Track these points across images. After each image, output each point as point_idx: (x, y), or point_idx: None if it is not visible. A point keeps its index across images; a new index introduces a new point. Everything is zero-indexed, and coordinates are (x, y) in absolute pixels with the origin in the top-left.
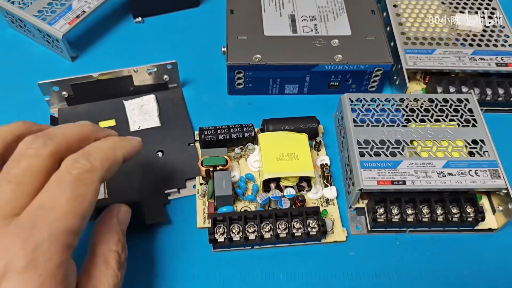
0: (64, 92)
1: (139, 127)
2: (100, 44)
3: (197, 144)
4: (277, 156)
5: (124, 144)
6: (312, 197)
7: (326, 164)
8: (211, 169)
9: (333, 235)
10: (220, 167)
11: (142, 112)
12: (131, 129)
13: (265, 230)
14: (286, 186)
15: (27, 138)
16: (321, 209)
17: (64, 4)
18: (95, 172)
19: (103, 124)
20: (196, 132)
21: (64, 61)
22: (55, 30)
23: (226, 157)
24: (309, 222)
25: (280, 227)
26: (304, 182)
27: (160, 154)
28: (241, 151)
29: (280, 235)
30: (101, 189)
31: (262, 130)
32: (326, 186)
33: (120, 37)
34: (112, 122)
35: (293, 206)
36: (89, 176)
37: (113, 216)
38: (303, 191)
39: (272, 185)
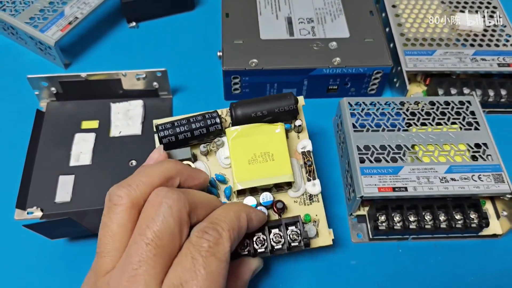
0: (53, 88)
1: (120, 132)
2: (94, 50)
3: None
4: (249, 158)
5: (249, 211)
6: (293, 195)
7: (308, 151)
8: None
9: (317, 239)
10: None
11: (127, 117)
12: (111, 134)
13: (242, 249)
14: (263, 189)
15: (164, 193)
16: (303, 213)
17: (56, 11)
18: (223, 244)
19: (86, 124)
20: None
21: (58, 68)
22: (47, 37)
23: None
24: (289, 234)
25: (258, 243)
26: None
27: (134, 162)
28: (207, 148)
29: (259, 250)
30: (67, 192)
31: (231, 116)
32: (308, 180)
33: (114, 43)
34: (95, 124)
35: (273, 211)
36: (220, 249)
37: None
38: (283, 190)
39: (247, 190)
